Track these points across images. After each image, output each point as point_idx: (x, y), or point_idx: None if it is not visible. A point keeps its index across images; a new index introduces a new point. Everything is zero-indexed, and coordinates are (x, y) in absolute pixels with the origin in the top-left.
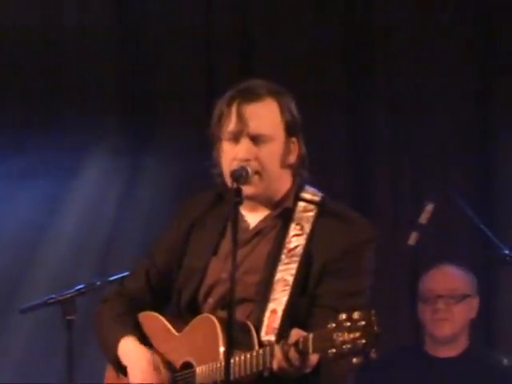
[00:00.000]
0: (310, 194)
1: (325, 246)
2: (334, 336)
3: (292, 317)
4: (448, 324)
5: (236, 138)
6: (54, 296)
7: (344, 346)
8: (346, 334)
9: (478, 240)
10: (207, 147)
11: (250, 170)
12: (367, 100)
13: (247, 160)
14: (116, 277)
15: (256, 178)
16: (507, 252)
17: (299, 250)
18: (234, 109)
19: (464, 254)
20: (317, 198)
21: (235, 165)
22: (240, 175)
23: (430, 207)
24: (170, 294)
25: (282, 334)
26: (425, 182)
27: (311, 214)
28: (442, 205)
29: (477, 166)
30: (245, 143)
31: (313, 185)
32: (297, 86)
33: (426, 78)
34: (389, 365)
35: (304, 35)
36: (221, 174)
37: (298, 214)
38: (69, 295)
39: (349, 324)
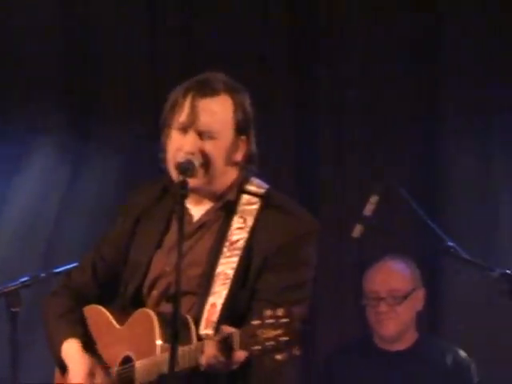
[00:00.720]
0: (254, 186)
1: (265, 240)
2: (258, 332)
3: (232, 311)
4: (392, 322)
5: (185, 129)
6: None
7: (267, 343)
8: (269, 330)
9: (422, 232)
10: (153, 141)
11: (196, 163)
12: (312, 88)
13: (192, 153)
14: (61, 269)
15: (201, 170)
16: (451, 244)
17: (241, 244)
18: (188, 100)
19: (409, 245)
20: (261, 191)
21: (181, 157)
22: (187, 168)
23: (374, 199)
24: (116, 287)
25: (220, 327)
26: (369, 173)
27: (255, 206)
28: (386, 197)
29: (421, 158)
30: (191, 136)
31: (259, 177)
32: (243, 80)
33: (371, 67)
34: (339, 358)
35: (249, 29)
36: (165, 160)
37: (241, 207)
38: (13, 287)
39: (272, 321)
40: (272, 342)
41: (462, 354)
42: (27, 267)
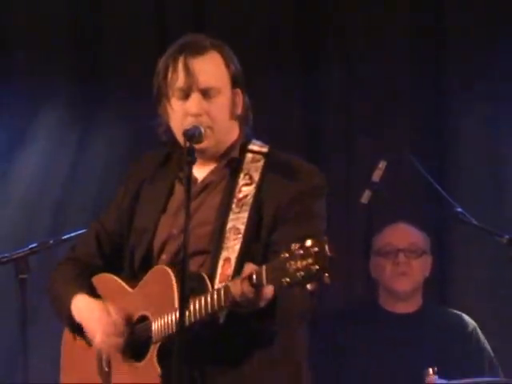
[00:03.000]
0: (257, 146)
1: (275, 194)
2: (287, 265)
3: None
4: (408, 279)
5: (186, 93)
6: (6, 255)
7: (298, 274)
8: (298, 261)
9: (431, 198)
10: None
11: (202, 128)
12: (322, 56)
13: (199, 115)
14: (69, 235)
15: (208, 131)
16: (460, 210)
17: (249, 199)
18: (180, 64)
19: (418, 212)
20: (264, 149)
21: (188, 121)
22: (193, 134)
23: (382, 165)
24: (121, 256)
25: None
26: (378, 140)
27: (260, 163)
28: (395, 163)
29: (430, 125)
30: (195, 98)
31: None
32: (248, 33)
33: (379, 37)
34: (343, 319)
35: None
36: (167, 131)
37: (246, 165)
38: (22, 254)
39: (301, 252)
40: (302, 272)
41: (468, 318)
42: (35, 234)
